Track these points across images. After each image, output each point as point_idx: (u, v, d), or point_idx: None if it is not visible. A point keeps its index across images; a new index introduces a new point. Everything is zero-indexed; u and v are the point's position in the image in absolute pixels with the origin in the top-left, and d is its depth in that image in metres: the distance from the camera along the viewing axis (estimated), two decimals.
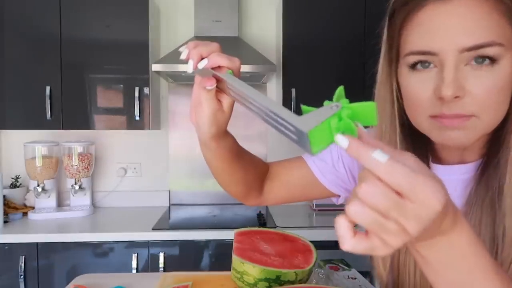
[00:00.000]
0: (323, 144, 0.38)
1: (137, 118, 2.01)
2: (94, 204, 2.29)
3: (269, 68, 1.93)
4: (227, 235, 1.78)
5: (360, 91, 2.07)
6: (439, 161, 0.59)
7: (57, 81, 1.98)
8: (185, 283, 0.91)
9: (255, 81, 2.30)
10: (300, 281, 0.81)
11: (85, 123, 2.02)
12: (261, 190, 0.80)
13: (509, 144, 0.49)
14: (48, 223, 1.94)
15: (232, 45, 2.11)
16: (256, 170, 0.75)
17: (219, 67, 0.52)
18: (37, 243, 1.74)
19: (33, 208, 2.13)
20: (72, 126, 2.02)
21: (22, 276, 1.72)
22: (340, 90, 0.42)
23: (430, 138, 0.52)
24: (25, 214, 2.07)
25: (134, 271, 1.76)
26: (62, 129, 2.01)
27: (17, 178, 2.24)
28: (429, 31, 0.47)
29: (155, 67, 1.90)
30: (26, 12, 1.96)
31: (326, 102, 0.40)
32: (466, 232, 0.38)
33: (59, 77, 1.98)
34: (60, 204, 2.27)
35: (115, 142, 2.35)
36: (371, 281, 1.91)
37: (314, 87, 2.07)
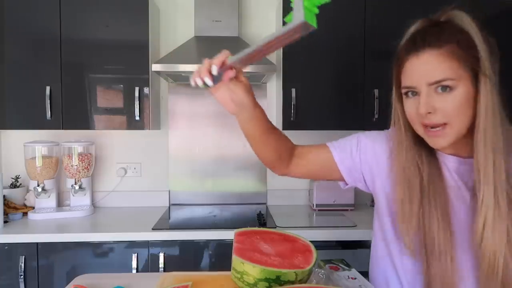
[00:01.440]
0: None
1: (137, 118, 2.01)
2: (94, 204, 2.29)
3: (269, 68, 1.93)
4: (227, 235, 1.78)
5: (360, 91, 2.07)
6: (446, 152, 0.81)
7: (57, 81, 1.98)
8: (185, 283, 0.91)
9: (255, 81, 2.30)
10: (300, 281, 0.81)
11: (85, 123, 2.02)
12: (289, 163, 0.96)
13: (477, 142, 0.71)
14: (48, 223, 1.94)
15: (232, 45, 2.11)
16: (285, 144, 0.94)
17: (222, 64, 0.73)
18: (37, 243, 1.74)
19: (33, 208, 2.13)
20: (72, 126, 2.02)
21: (22, 276, 1.72)
22: None
23: (427, 142, 0.76)
24: (25, 214, 2.07)
25: (134, 271, 1.76)
26: (62, 129, 2.01)
27: (17, 178, 2.24)
28: (411, 74, 0.74)
29: (155, 67, 1.90)
30: (26, 12, 1.96)
31: None
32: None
33: (59, 77, 1.98)
34: (60, 204, 2.27)
35: (115, 142, 2.35)
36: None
37: (314, 87, 2.07)
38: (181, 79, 2.22)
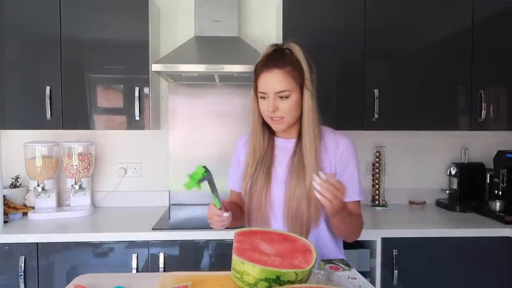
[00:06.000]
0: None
1: (137, 118, 2.01)
2: (94, 204, 2.29)
3: None
4: (227, 235, 1.78)
5: (360, 91, 2.07)
6: (278, 136, 1.23)
7: (57, 81, 1.98)
8: (185, 283, 0.91)
9: None
10: (300, 281, 0.81)
11: (85, 123, 2.02)
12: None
13: (302, 129, 1.16)
14: (48, 223, 1.94)
15: (232, 45, 2.11)
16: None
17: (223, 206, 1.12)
18: (37, 243, 1.74)
19: (33, 208, 2.13)
20: (72, 126, 2.02)
21: (22, 276, 1.72)
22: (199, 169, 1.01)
23: (272, 127, 1.17)
24: (25, 214, 2.07)
25: (134, 271, 1.75)
26: (62, 129, 2.01)
27: (17, 178, 2.24)
28: (263, 84, 1.11)
29: (155, 67, 1.90)
30: (26, 12, 1.96)
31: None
32: (343, 211, 1.02)
33: (59, 77, 1.98)
34: (60, 204, 2.27)
35: (115, 142, 2.35)
36: (371, 281, 1.92)
37: (314, 87, 2.06)
38: (181, 79, 2.22)
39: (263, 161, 1.17)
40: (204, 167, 0.98)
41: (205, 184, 1.02)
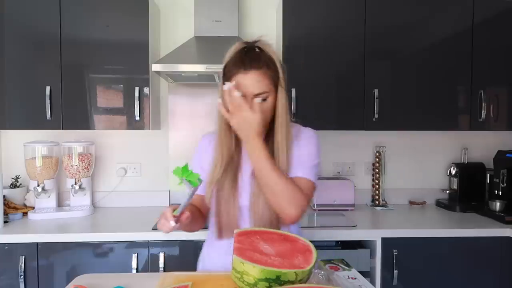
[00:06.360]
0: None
1: (137, 118, 2.01)
2: (94, 204, 2.29)
3: None
4: None
5: (360, 91, 2.07)
6: None
7: (57, 81, 1.98)
8: (185, 283, 0.91)
9: None
10: (300, 281, 0.81)
11: (85, 123, 2.02)
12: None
13: (276, 130, 1.09)
14: (48, 223, 1.94)
15: (232, 45, 2.10)
16: (203, 216, 1.24)
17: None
18: (37, 243, 1.74)
19: (33, 208, 2.13)
20: (72, 126, 2.02)
21: (22, 276, 1.72)
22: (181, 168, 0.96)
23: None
24: (25, 214, 2.07)
25: (134, 271, 1.75)
26: (62, 129, 2.01)
27: (17, 178, 2.24)
28: (241, 85, 1.03)
29: (155, 67, 1.90)
30: (26, 12, 1.96)
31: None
32: (262, 143, 1.03)
33: (59, 77, 1.98)
34: (60, 204, 2.27)
35: (115, 142, 2.35)
36: (371, 281, 1.92)
37: (314, 87, 2.07)
38: (181, 79, 2.22)
39: (230, 165, 1.12)
40: (199, 179, 0.95)
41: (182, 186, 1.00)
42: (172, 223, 0.95)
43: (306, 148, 1.13)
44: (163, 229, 0.98)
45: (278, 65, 1.08)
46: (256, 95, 1.03)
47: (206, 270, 1.17)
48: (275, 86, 1.07)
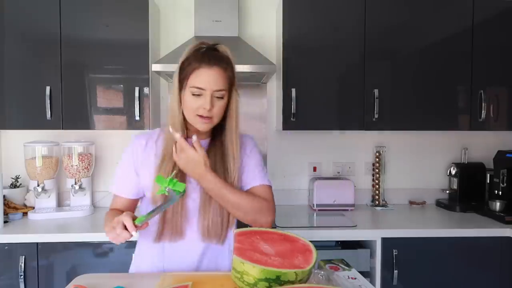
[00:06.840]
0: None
1: (137, 118, 2.01)
2: (94, 204, 2.29)
3: (269, 68, 1.93)
4: None
5: (360, 91, 2.07)
6: (189, 136, 1.11)
7: (57, 81, 1.98)
8: (185, 283, 0.91)
9: (255, 81, 2.30)
10: (300, 281, 0.81)
11: (85, 123, 2.02)
12: None
13: (226, 131, 1.13)
14: (48, 223, 1.94)
15: (232, 45, 2.10)
16: None
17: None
18: (37, 243, 1.74)
19: (33, 208, 2.13)
20: (72, 126, 2.02)
21: (22, 276, 1.72)
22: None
23: (194, 125, 1.11)
24: (25, 214, 2.07)
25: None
26: (62, 129, 2.01)
27: (17, 178, 2.24)
28: (202, 80, 1.05)
29: (155, 67, 1.90)
30: (26, 12, 1.96)
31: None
32: (214, 176, 1.06)
33: (59, 77, 1.98)
34: (60, 204, 2.27)
35: (115, 142, 2.35)
36: (371, 281, 1.92)
37: (314, 87, 2.07)
38: None
39: (176, 166, 1.08)
40: (184, 190, 0.95)
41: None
42: (134, 233, 0.92)
43: (253, 159, 1.18)
44: (117, 239, 0.94)
45: (234, 68, 1.12)
46: (216, 91, 1.06)
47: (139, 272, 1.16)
48: (230, 87, 1.10)
